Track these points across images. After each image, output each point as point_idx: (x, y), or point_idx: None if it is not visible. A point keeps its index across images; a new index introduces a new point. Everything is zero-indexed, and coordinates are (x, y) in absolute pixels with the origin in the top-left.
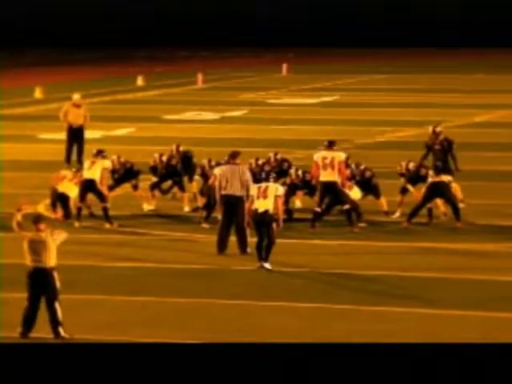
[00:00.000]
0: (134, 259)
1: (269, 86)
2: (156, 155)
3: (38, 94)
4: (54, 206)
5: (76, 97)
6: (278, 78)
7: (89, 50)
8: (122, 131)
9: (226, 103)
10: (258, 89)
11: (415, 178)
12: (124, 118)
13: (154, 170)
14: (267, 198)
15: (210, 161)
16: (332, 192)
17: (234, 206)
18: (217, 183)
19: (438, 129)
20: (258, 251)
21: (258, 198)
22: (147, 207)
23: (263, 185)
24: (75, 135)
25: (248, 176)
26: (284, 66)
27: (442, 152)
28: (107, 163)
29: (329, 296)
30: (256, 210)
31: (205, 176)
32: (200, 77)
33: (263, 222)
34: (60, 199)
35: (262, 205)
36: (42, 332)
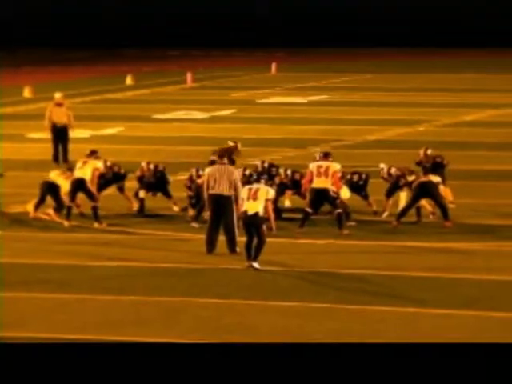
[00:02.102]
0: (123, 259)
1: (258, 85)
2: (143, 164)
3: (27, 93)
4: (42, 200)
5: (58, 96)
6: (266, 77)
7: (78, 49)
8: (111, 130)
9: (215, 102)
10: (247, 88)
11: (398, 184)
12: (113, 117)
13: (140, 179)
14: (257, 200)
15: (197, 170)
16: (324, 198)
17: (222, 205)
18: (205, 183)
19: (429, 151)
20: (246, 251)
21: (248, 199)
22: (135, 207)
23: (254, 186)
24: (59, 134)
25: (236, 175)
26: (273, 65)
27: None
28: (99, 164)
29: (317, 295)
30: (246, 212)
31: (191, 187)
32: (189, 76)
33: (253, 223)
34: (50, 190)
35: (252, 207)
36: (31, 331)
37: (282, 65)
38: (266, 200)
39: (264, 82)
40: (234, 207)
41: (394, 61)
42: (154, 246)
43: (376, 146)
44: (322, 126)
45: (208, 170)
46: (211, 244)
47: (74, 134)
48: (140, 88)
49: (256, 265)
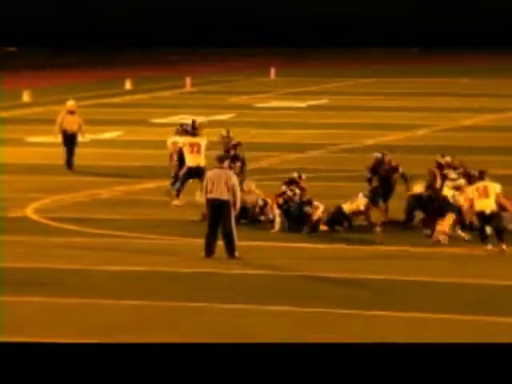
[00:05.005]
0: (123, 263)
1: (257, 90)
2: (223, 132)
3: (26, 97)
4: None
5: (70, 103)
6: (265, 81)
7: (77, 53)
8: (109, 135)
9: (214, 107)
10: (246, 92)
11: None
12: (112, 122)
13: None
14: (489, 197)
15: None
16: None
17: (220, 209)
18: (203, 187)
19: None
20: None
21: (480, 197)
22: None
23: (481, 184)
24: (69, 141)
25: (235, 180)
26: (272, 70)
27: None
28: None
29: (318, 299)
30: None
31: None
32: (188, 80)
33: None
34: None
35: (487, 204)
36: (30, 336)
37: (281, 69)
38: (497, 194)
39: (263, 86)
40: (233, 211)
41: (393, 66)
42: (153, 250)
43: (374, 151)
44: (321, 130)
45: (207, 174)
46: (210, 247)
47: (84, 139)
48: (139, 92)
49: (504, 247)
